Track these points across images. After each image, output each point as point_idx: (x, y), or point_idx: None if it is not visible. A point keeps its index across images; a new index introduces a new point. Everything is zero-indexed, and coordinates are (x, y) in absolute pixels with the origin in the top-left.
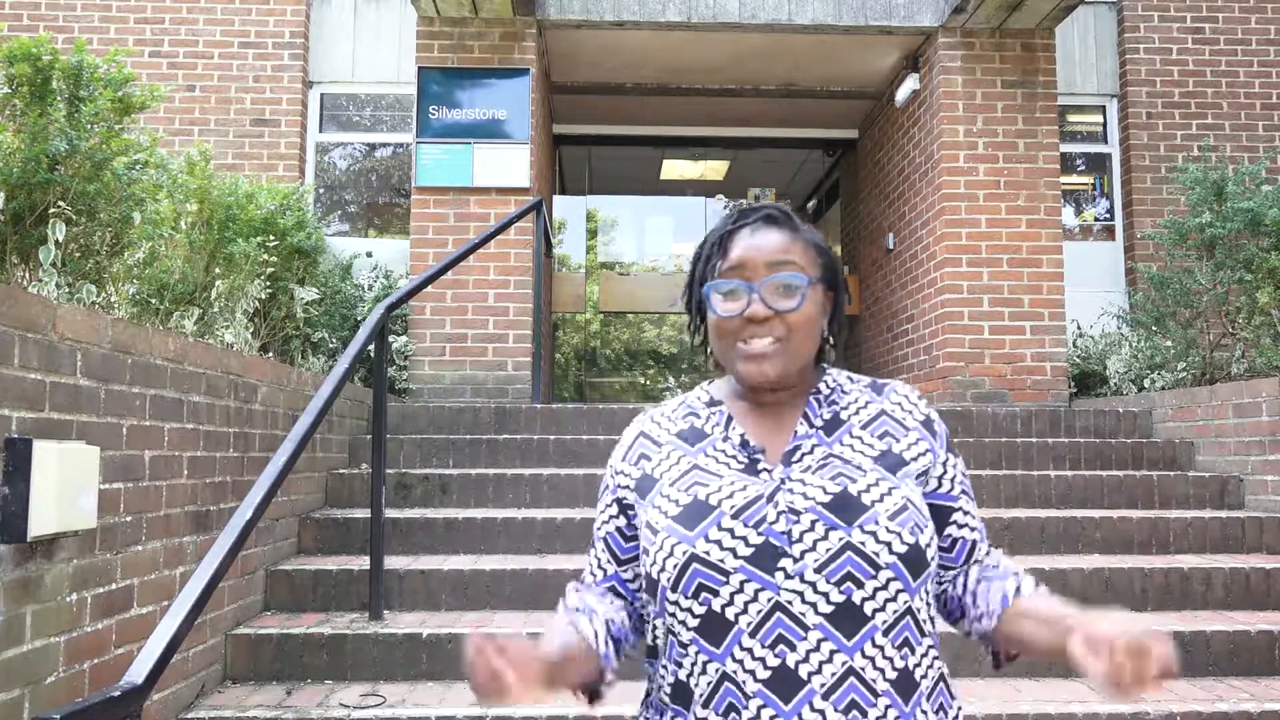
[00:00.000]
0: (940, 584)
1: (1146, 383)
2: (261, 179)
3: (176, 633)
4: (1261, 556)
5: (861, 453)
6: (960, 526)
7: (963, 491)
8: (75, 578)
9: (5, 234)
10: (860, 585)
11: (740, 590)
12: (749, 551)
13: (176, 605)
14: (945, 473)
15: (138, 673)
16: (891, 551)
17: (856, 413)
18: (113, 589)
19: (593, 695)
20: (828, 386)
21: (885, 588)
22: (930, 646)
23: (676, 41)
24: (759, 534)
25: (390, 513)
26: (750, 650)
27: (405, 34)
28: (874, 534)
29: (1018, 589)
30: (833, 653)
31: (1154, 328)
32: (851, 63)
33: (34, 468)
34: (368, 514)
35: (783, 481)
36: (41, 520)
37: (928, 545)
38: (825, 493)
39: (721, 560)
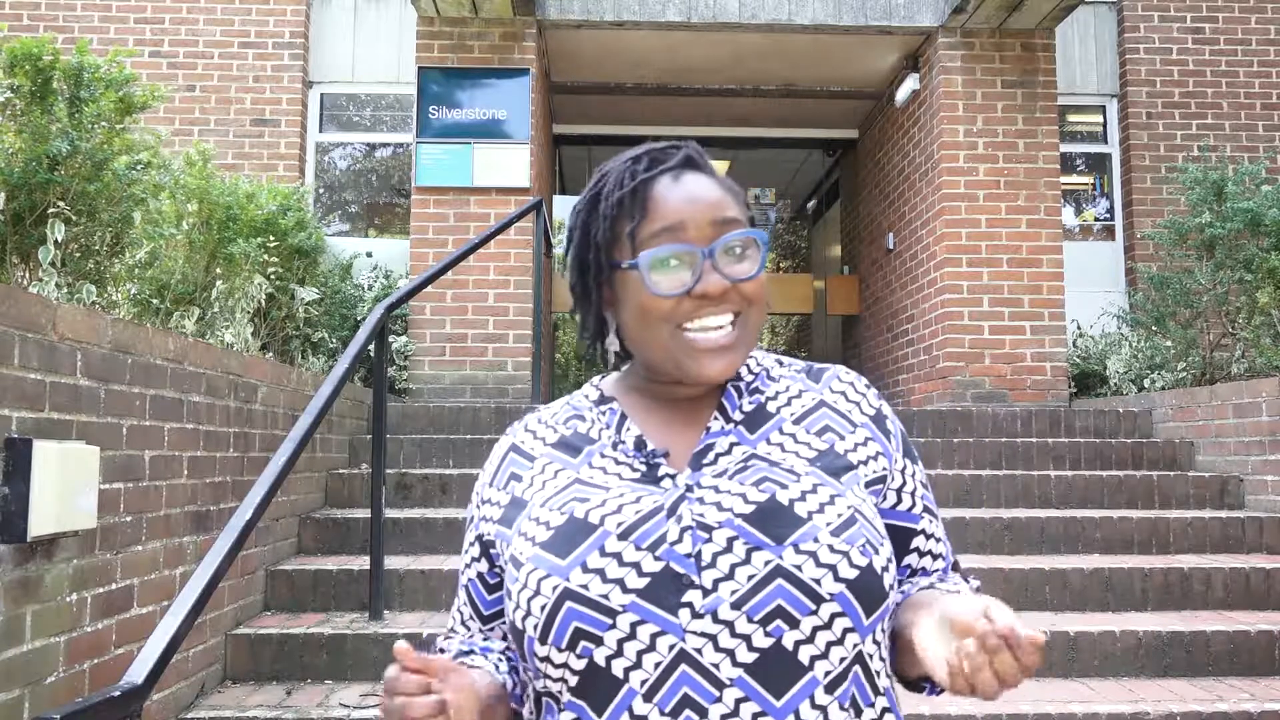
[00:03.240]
0: None
1: (1146, 383)
2: (261, 179)
3: (176, 633)
4: (1261, 556)
5: (794, 453)
6: (923, 555)
7: (925, 509)
8: (75, 578)
9: (5, 234)
10: (794, 624)
11: (631, 636)
12: (642, 583)
13: (176, 605)
14: (904, 484)
15: (138, 673)
16: (837, 578)
17: (788, 403)
18: (113, 589)
19: None
20: (750, 372)
21: (828, 626)
22: (887, 710)
23: (676, 41)
24: (656, 558)
25: (390, 513)
26: (645, 718)
27: (405, 34)
28: (813, 555)
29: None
30: (756, 717)
31: (1154, 328)
32: (851, 63)
33: (34, 468)
34: (368, 514)
35: (689, 489)
36: (41, 520)
37: (884, 569)
38: (746, 501)
39: (605, 595)
